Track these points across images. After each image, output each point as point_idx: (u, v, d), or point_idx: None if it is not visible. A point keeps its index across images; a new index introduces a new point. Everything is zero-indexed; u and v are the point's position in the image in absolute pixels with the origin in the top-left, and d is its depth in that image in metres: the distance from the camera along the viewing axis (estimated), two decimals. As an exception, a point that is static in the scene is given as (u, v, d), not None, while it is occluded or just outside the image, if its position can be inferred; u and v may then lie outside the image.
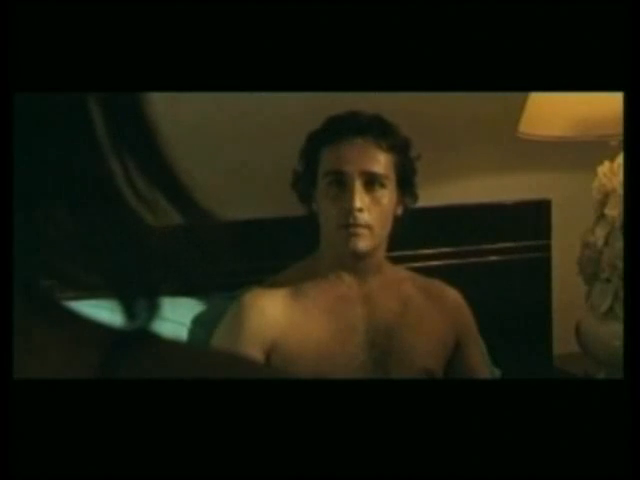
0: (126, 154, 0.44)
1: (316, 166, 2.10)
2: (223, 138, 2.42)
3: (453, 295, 2.21)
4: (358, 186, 2.03)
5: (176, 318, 2.18)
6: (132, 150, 0.44)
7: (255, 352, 2.03)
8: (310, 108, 2.29)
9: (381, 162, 2.06)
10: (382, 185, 2.05)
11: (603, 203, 2.36)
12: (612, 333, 2.34)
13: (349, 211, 2.02)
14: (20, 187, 0.42)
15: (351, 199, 2.02)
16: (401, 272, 2.21)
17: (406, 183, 2.11)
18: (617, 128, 2.17)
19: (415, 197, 2.15)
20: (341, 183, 2.05)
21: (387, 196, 2.06)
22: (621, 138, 2.23)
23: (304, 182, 2.14)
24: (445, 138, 2.56)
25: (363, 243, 2.04)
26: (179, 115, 2.22)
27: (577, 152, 2.57)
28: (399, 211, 2.12)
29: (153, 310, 0.46)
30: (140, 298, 0.45)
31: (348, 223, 2.02)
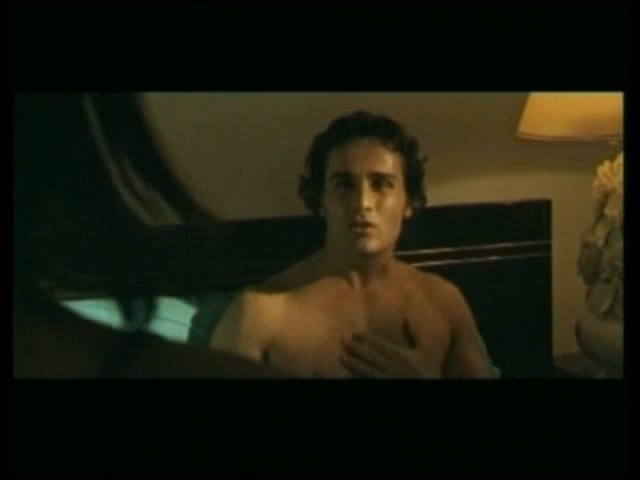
0: (124, 154, 0.44)
1: (323, 169, 2.10)
2: (222, 138, 2.42)
3: (449, 289, 2.21)
4: (366, 186, 2.03)
5: (177, 318, 2.18)
6: (130, 150, 0.44)
7: (252, 349, 2.03)
8: (311, 108, 2.29)
9: (388, 162, 2.06)
10: (390, 185, 2.05)
11: (603, 203, 2.36)
12: (612, 333, 2.34)
13: (357, 210, 2.02)
14: (19, 187, 0.42)
15: (359, 198, 2.02)
16: (404, 269, 2.20)
17: (414, 185, 2.11)
18: (617, 128, 2.17)
19: (423, 200, 2.14)
20: (349, 184, 2.05)
21: (395, 196, 2.06)
22: (621, 138, 2.23)
23: (311, 187, 2.13)
24: (445, 138, 2.56)
25: (372, 243, 2.03)
26: (179, 115, 2.22)
27: (577, 152, 2.57)
28: (408, 214, 2.12)
29: (150, 311, 0.45)
30: (137, 299, 0.45)
31: (356, 222, 2.02)
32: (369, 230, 2.02)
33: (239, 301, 2.09)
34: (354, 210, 2.02)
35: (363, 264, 2.09)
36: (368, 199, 2.02)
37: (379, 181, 2.05)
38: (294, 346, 2.05)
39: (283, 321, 2.06)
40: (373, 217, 2.02)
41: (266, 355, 2.05)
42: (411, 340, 2.10)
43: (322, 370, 2.02)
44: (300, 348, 2.04)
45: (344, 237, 2.05)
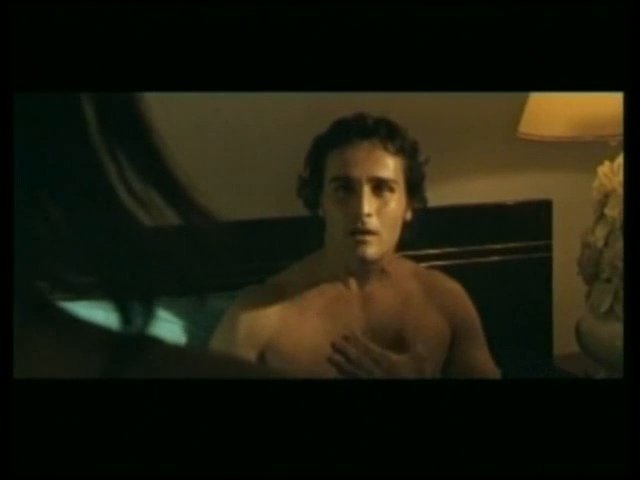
0: (123, 154, 0.44)
1: (322, 171, 2.07)
2: (222, 138, 2.42)
3: (450, 285, 2.18)
4: (366, 191, 2.00)
5: (176, 319, 2.18)
6: (129, 150, 0.44)
7: (249, 352, 2.02)
8: (312, 108, 2.29)
9: (389, 166, 2.03)
10: (391, 189, 2.02)
11: (603, 203, 2.36)
12: (612, 333, 2.34)
13: (357, 216, 1.99)
14: (18, 187, 0.42)
15: (359, 204, 1.99)
16: (406, 267, 2.18)
17: (415, 187, 2.08)
18: (617, 128, 2.17)
19: (424, 202, 2.12)
20: (349, 188, 2.02)
21: (396, 201, 2.03)
22: (621, 138, 2.23)
23: (310, 188, 2.11)
24: (445, 139, 2.56)
25: (372, 250, 2.01)
26: (178, 115, 2.22)
27: (577, 152, 2.57)
28: (408, 216, 2.10)
29: (149, 312, 0.45)
30: (135, 301, 0.45)
31: (356, 229, 1.99)
32: (370, 237, 1.99)
33: (237, 304, 2.08)
34: (354, 216, 1.99)
35: (361, 269, 2.07)
36: (369, 204, 1.99)
37: (380, 186, 2.02)
38: (290, 350, 2.04)
39: (280, 325, 2.05)
40: (373, 223, 2.00)
41: (262, 358, 2.04)
42: (406, 345, 2.08)
43: (317, 374, 2.01)
44: (296, 352, 2.04)
45: (343, 242, 2.03)
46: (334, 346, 2.03)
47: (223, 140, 2.42)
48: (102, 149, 0.43)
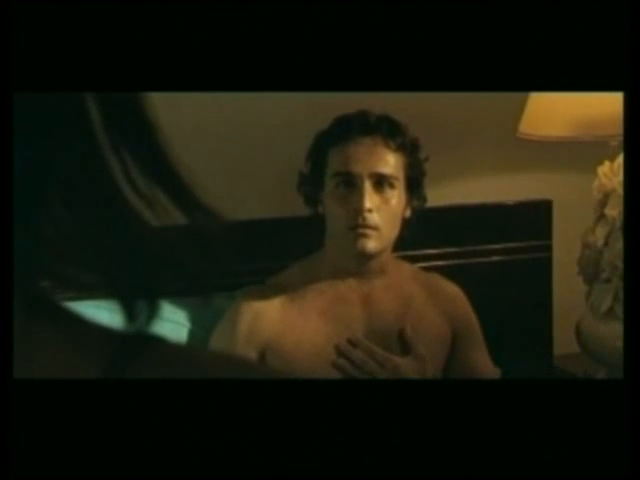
0: (127, 153, 0.44)
1: (323, 167, 2.08)
2: (224, 138, 2.42)
3: (450, 288, 2.19)
4: (368, 187, 2.01)
5: (176, 319, 2.17)
6: (133, 149, 0.44)
7: (249, 352, 2.02)
8: (314, 108, 2.29)
9: (390, 162, 2.04)
10: (391, 186, 2.04)
11: (603, 203, 2.36)
12: (612, 333, 2.34)
13: (358, 212, 2.00)
14: (19, 187, 0.42)
15: (361, 200, 2.00)
16: (405, 269, 2.19)
17: (415, 184, 2.09)
18: (617, 128, 2.17)
19: (424, 199, 2.13)
20: (350, 184, 2.03)
21: (396, 197, 2.05)
22: (621, 138, 2.23)
23: (310, 184, 2.12)
24: (445, 138, 2.56)
25: (372, 244, 2.02)
26: (181, 113, 2.22)
27: (577, 152, 2.57)
28: (407, 213, 2.11)
29: (152, 312, 0.45)
30: (139, 299, 0.45)
31: (357, 224, 2.00)
32: (370, 232, 2.01)
33: (237, 304, 2.08)
34: (355, 212, 2.01)
35: (361, 265, 2.08)
36: (370, 200, 2.00)
37: (381, 182, 2.03)
38: (290, 350, 2.04)
39: (280, 325, 2.05)
40: (374, 219, 2.01)
41: (263, 358, 2.04)
42: (408, 346, 2.09)
43: (318, 374, 2.01)
44: (296, 352, 2.04)
45: (344, 238, 2.04)
46: (338, 349, 2.03)
47: (224, 140, 2.42)
48: (107, 148, 0.43)
